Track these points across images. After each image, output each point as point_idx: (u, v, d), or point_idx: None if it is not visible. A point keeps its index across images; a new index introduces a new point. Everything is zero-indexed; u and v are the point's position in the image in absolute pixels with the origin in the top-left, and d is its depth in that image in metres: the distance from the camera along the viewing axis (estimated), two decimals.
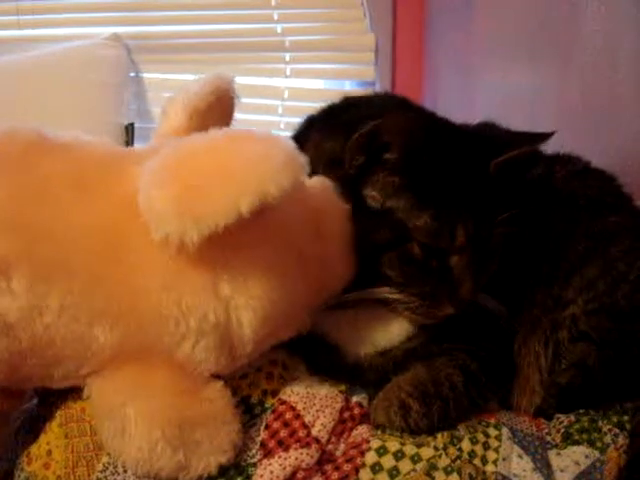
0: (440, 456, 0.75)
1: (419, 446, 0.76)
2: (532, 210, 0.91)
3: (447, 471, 0.73)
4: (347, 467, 0.73)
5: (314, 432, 0.77)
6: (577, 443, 0.79)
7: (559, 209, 0.95)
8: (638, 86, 1.08)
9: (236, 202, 0.63)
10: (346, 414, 0.80)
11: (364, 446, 0.76)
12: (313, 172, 0.83)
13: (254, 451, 0.75)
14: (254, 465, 0.74)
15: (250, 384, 0.81)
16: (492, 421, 0.82)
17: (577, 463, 0.77)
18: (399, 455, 0.75)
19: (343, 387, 0.84)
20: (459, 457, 0.75)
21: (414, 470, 0.73)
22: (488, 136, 0.91)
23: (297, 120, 1.01)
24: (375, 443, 0.76)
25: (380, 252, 0.84)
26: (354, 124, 0.83)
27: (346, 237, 0.83)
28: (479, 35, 2.04)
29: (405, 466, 0.74)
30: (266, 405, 0.80)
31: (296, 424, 0.77)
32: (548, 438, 0.81)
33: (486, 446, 0.77)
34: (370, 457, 0.74)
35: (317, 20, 2.75)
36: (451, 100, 2.34)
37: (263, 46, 2.74)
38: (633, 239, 0.92)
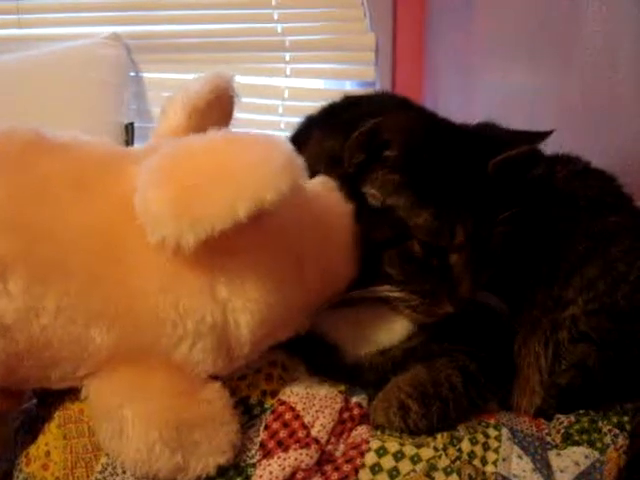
0: (440, 457, 0.75)
1: (419, 447, 0.76)
2: (532, 210, 0.90)
3: (447, 472, 0.73)
4: (347, 468, 0.73)
5: (314, 433, 0.77)
6: (577, 444, 0.79)
7: (559, 209, 0.95)
8: (638, 86, 1.08)
9: (233, 206, 0.63)
10: (346, 415, 0.80)
11: (364, 447, 0.76)
12: (314, 171, 0.83)
13: (253, 452, 0.75)
14: (253, 466, 0.74)
15: (249, 385, 0.81)
16: (492, 422, 0.81)
17: (577, 463, 0.76)
18: (399, 456, 0.74)
19: (343, 387, 0.83)
20: (459, 458, 0.75)
21: (414, 471, 0.73)
22: (487, 135, 0.90)
23: (297, 120, 1.01)
24: (375, 444, 0.76)
25: (380, 250, 0.84)
26: (354, 123, 0.83)
27: (350, 237, 0.83)
28: (479, 35, 2.04)
29: (405, 467, 0.73)
30: (265, 406, 0.80)
31: (295, 425, 0.77)
32: (548, 439, 0.81)
33: (486, 447, 0.77)
34: (370, 458, 0.74)
35: (317, 20, 2.76)
36: (451, 100, 2.34)
37: (263, 46, 2.74)
38: (633, 239, 0.92)
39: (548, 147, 0.94)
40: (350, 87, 2.78)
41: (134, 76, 2.69)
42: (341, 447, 0.77)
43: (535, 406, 0.89)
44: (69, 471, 0.74)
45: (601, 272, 0.89)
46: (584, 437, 0.80)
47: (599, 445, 0.79)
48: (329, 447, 0.77)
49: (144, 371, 0.73)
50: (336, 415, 0.79)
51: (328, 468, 0.74)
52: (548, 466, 0.76)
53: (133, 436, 0.69)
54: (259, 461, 0.74)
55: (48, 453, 0.75)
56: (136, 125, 2.49)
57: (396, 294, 0.85)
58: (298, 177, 0.68)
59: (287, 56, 2.74)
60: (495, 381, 0.88)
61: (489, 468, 0.75)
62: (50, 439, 0.76)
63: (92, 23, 2.74)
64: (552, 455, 0.78)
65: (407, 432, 0.78)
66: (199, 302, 0.71)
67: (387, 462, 0.74)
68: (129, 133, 2.44)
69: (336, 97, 1.00)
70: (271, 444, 0.76)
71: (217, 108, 0.89)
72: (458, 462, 0.74)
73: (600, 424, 0.82)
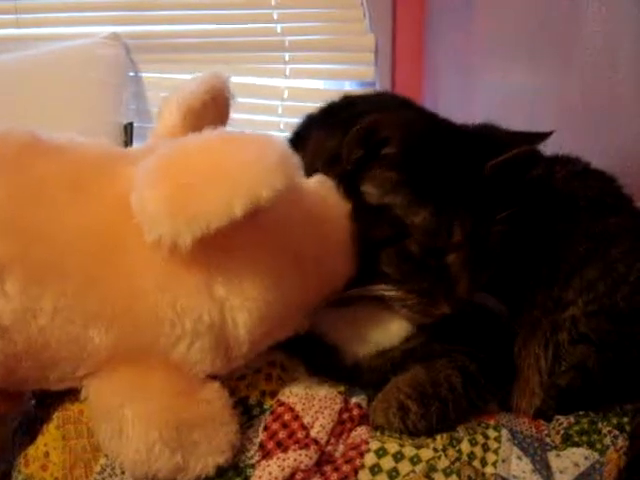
0: (439, 457, 0.75)
1: (418, 447, 0.76)
2: (532, 210, 0.90)
3: (446, 473, 0.73)
4: (346, 468, 0.73)
5: (313, 433, 0.77)
6: (577, 445, 0.79)
7: (559, 210, 0.95)
8: (638, 87, 1.08)
9: (229, 204, 0.63)
10: (345, 415, 0.80)
11: (363, 447, 0.75)
12: (313, 170, 0.83)
13: (253, 452, 0.75)
14: (252, 466, 0.74)
15: (248, 385, 0.81)
16: (491, 423, 0.81)
17: (576, 465, 0.76)
18: (398, 456, 0.74)
19: (342, 388, 0.83)
20: (458, 459, 0.75)
21: (413, 472, 0.73)
22: (487, 136, 0.90)
23: (296, 120, 1.01)
24: (374, 444, 0.76)
25: (378, 248, 0.83)
26: (353, 121, 0.83)
27: (347, 236, 0.83)
28: (479, 35, 2.04)
29: (404, 467, 0.73)
30: (265, 406, 0.80)
31: (295, 425, 0.77)
32: (548, 440, 0.81)
33: (485, 448, 0.77)
34: (369, 458, 0.74)
35: (317, 20, 2.76)
36: (451, 100, 2.34)
37: (263, 46, 2.74)
38: (633, 240, 0.92)
39: (548, 147, 0.93)
40: (350, 87, 2.78)
41: (133, 76, 2.69)
42: (340, 448, 0.77)
43: (535, 407, 0.89)
44: (68, 472, 0.74)
45: (601, 273, 0.89)
46: (584, 438, 0.80)
47: (599, 446, 0.79)
48: (328, 448, 0.77)
49: (143, 371, 0.72)
50: (335, 416, 0.79)
51: (327, 469, 0.74)
52: (548, 467, 0.76)
53: (133, 436, 0.69)
54: (258, 462, 0.74)
55: (47, 454, 0.75)
56: (135, 125, 2.49)
57: (393, 293, 0.85)
58: (293, 174, 0.68)
59: (286, 56, 2.74)
60: (495, 382, 0.88)
61: (489, 469, 0.75)
62: (49, 440, 0.76)
63: (91, 23, 2.74)
64: (552, 456, 0.78)
65: (406, 433, 0.78)
66: (197, 301, 0.71)
67: (387, 463, 0.74)
68: (128, 133, 2.44)
69: (336, 97, 1.00)
70: (270, 445, 0.76)
71: (213, 108, 0.89)
72: (458, 463, 0.74)
73: (600, 425, 0.81)
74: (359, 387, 0.86)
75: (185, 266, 0.70)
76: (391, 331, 0.89)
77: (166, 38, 2.76)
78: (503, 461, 0.76)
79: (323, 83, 2.86)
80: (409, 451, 0.75)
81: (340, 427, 0.79)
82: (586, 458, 0.77)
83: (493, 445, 0.77)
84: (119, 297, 0.70)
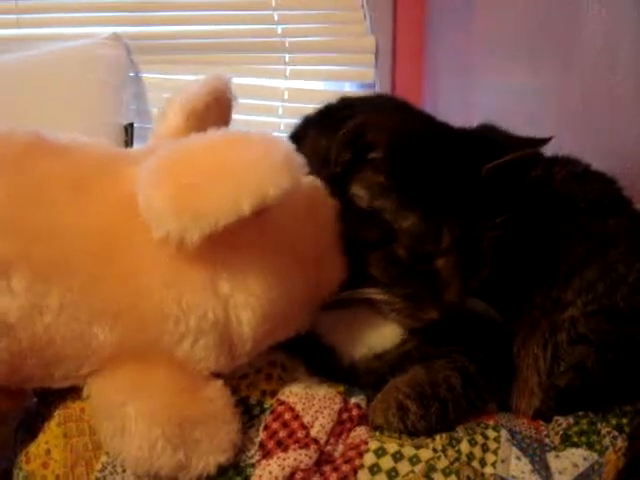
0: (439, 458, 0.75)
1: (418, 448, 0.76)
2: (530, 212, 0.90)
3: (446, 473, 0.73)
4: (346, 468, 0.73)
5: (313, 433, 0.77)
6: (576, 445, 0.79)
7: (558, 211, 0.95)
8: (638, 88, 1.08)
9: (236, 202, 0.64)
10: (345, 415, 0.80)
11: (362, 447, 0.75)
12: (310, 170, 0.84)
13: (253, 452, 0.75)
14: (253, 466, 0.74)
15: (249, 385, 0.81)
16: (491, 423, 0.81)
17: (576, 465, 0.76)
18: (398, 456, 0.74)
19: (342, 388, 0.83)
20: (458, 459, 0.75)
21: (412, 472, 0.73)
22: (485, 139, 0.90)
23: (295, 124, 1.01)
24: (374, 444, 0.76)
25: (367, 251, 0.84)
26: (347, 123, 0.83)
27: (337, 236, 0.83)
28: (479, 37, 2.05)
29: (404, 467, 0.73)
30: (265, 406, 0.80)
31: (295, 425, 0.77)
32: (547, 440, 0.81)
33: (485, 448, 0.77)
34: (369, 458, 0.74)
35: (317, 21, 2.76)
36: (451, 102, 2.34)
37: (263, 47, 2.74)
38: (632, 241, 0.92)
39: (548, 148, 0.93)
40: (350, 89, 2.78)
41: (134, 77, 2.69)
42: (340, 448, 0.77)
43: (534, 408, 0.89)
44: (69, 469, 0.74)
45: (600, 274, 0.89)
46: (583, 439, 0.80)
47: (598, 447, 0.79)
48: (328, 447, 0.77)
49: (146, 368, 0.73)
50: (335, 416, 0.79)
51: (327, 468, 0.74)
52: (547, 468, 0.76)
53: (135, 433, 0.69)
54: (258, 461, 0.74)
55: (48, 451, 0.75)
56: (135, 126, 2.49)
57: (381, 297, 0.85)
58: (298, 173, 0.69)
59: (287, 57, 2.74)
60: (494, 382, 0.88)
61: (488, 469, 0.75)
62: (50, 437, 0.76)
63: (92, 23, 2.74)
64: (551, 457, 0.78)
65: (406, 433, 0.78)
66: (201, 298, 0.71)
67: (386, 463, 0.74)
68: (128, 134, 2.44)
69: (333, 99, 1.00)
70: (270, 444, 0.76)
71: (215, 110, 0.90)
72: (457, 463, 0.74)
73: (599, 426, 0.82)
74: (357, 388, 0.86)
75: (191, 263, 0.71)
76: (386, 334, 0.89)
77: (167, 39, 2.76)
78: (502, 461, 0.76)
79: (323, 84, 2.86)
80: (408, 451, 0.75)
81: (340, 427, 0.79)
82: (585, 459, 0.77)
83: (492, 445, 0.77)
84: (124, 294, 0.70)
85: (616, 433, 0.80)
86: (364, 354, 0.89)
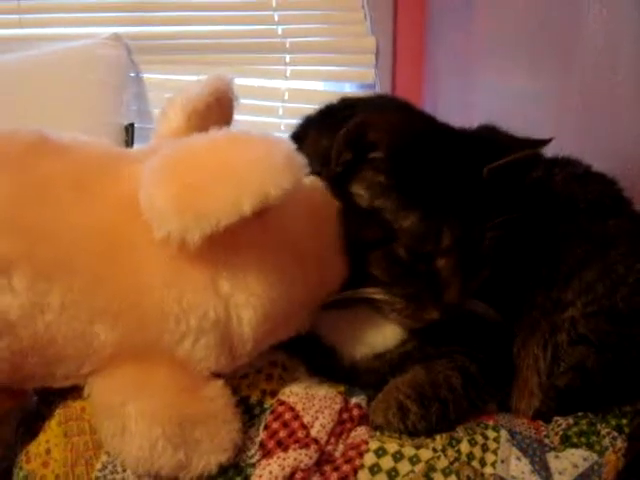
0: (439, 458, 0.75)
1: (418, 447, 0.76)
2: (531, 213, 0.90)
3: (445, 473, 0.73)
4: (346, 468, 0.73)
5: (313, 433, 0.77)
6: (575, 446, 0.79)
7: (558, 212, 0.95)
8: (638, 89, 1.08)
9: (238, 202, 0.64)
10: (345, 415, 0.80)
11: (363, 447, 0.76)
12: (311, 170, 0.84)
13: (253, 451, 0.75)
14: (253, 465, 0.74)
15: (249, 385, 0.81)
16: (491, 423, 0.82)
17: (575, 466, 0.76)
18: (398, 456, 0.75)
19: (342, 388, 0.84)
20: (457, 459, 0.75)
21: (413, 472, 0.73)
22: (486, 140, 0.90)
23: (295, 123, 1.02)
24: (374, 444, 0.76)
25: (368, 250, 0.84)
26: (347, 122, 0.83)
27: (339, 235, 0.83)
28: (479, 38, 2.05)
29: (404, 467, 0.74)
30: (265, 405, 0.80)
31: (295, 425, 0.77)
32: (547, 441, 0.81)
33: (485, 448, 0.77)
34: (369, 458, 0.74)
35: (317, 22, 2.76)
36: (451, 102, 2.34)
37: (263, 47, 2.74)
38: (632, 242, 0.92)
39: (548, 150, 0.94)
40: (350, 89, 2.79)
41: (134, 77, 2.69)
42: (340, 447, 0.77)
43: (534, 408, 0.89)
44: (69, 469, 0.74)
45: (600, 275, 0.89)
46: (582, 439, 0.80)
47: (597, 448, 0.79)
48: (328, 447, 0.77)
49: (147, 368, 0.73)
50: (335, 415, 0.80)
51: (327, 468, 0.74)
52: (546, 468, 0.76)
53: (136, 433, 0.69)
54: (259, 461, 0.74)
55: (48, 451, 0.75)
56: (136, 126, 2.49)
57: (382, 296, 0.85)
58: (300, 174, 0.69)
59: (287, 58, 2.74)
60: (494, 383, 0.88)
61: (488, 469, 0.75)
62: (51, 437, 0.76)
63: (93, 23, 2.74)
64: (550, 457, 0.78)
65: (406, 433, 0.78)
66: (202, 297, 0.72)
67: (386, 463, 0.74)
68: (129, 134, 2.44)
69: (334, 99, 1.00)
70: (271, 444, 0.76)
71: (217, 110, 0.90)
72: (457, 463, 0.75)
73: (599, 427, 0.82)
74: (358, 388, 0.86)
75: (192, 262, 0.71)
76: (386, 334, 0.89)
77: (167, 39, 2.76)
78: (502, 462, 0.76)
79: (324, 85, 2.86)
80: (408, 451, 0.75)
81: (340, 427, 0.79)
82: (585, 459, 0.77)
83: (492, 446, 0.78)
84: (125, 293, 0.71)
85: (616, 434, 0.80)
86: (365, 354, 0.89)
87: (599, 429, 0.81)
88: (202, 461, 0.71)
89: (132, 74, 2.67)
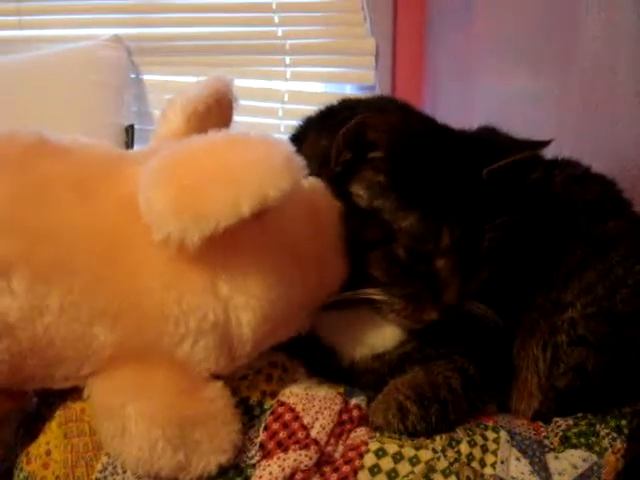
0: (439, 458, 0.75)
1: (418, 448, 0.76)
2: (531, 214, 0.91)
3: (445, 474, 0.73)
4: (346, 469, 0.73)
5: (313, 433, 0.77)
6: (575, 447, 0.79)
7: (558, 213, 0.95)
8: (638, 90, 1.08)
9: (237, 203, 0.64)
10: (345, 416, 0.80)
11: (363, 448, 0.76)
12: (310, 171, 0.84)
13: (253, 452, 0.75)
14: (253, 466, 0.74)
15: (249, 385, 0.81)
16: (490, 424, 0.82)
17: (575, 467, 0.76)
18: (397, 457, 0.74)
19: (342, 389, 0.84)
20: (457, 460, 0.75)
21: (412, 472, 0.73)
22: (486, 141, 0.91)
23: (295, 124, 1.02)
24: (374, 445, 0.76)
25: (367, 251, 0.84)
26: (347, 123, 0.84)
27: (339, 236, 0.84)
28: (479, 39, 2.05)
29: (403, 468, 0.73)
30: (265, 406, 0.80)
31: (295, 425, 0.77)
32: (546, 441, 0.81)
33: (484, 449, 0.77)
34: (369, 459, 0.74)
35: (317, 24, 2.77)
36: (451, 104, 2.34)
37: (264, 49, 2.75)
38: (632, 244, 0.92)
39: (548, 151, 0.94)
40: (350, 91, 2.79)
41: (135, 78, 2.70)
42: (340, 448, 0.77)
43: (533, 409, 0.89)
44: (69, 470, 0.74)
45: (600, 276, 0.89)
46: (582, 440, 0.80)
47: (597, 448, 0.79)
48: (328, 448, 0.77)
49: (146, 370, 0.73)
50: (335, 416, 0.80)
51: (327, 469, 0.74)
52: (546, 469, 0.76)
53: (136, 434, 0.69)
54: (259, 462, 0.74)
55: (49, 452, 0.75)
56: (136, 127, 2.49)
57: (381, 297, 0.85)
58: (298, 175, 0.69)
59: (287, 59, 2.74)
60: (494, 384, 0.88)
61: (487, 470, 0.75)
62: (51, 438, 0.76)
63: (93, 25, 2.75)
64: (550, 458, 0.78)
65: (406, 434, 0.78)
66: (201, 299, 0.72)
67: (386, 463, 0.74)
68: (129, 135, 2.44)
69: (335, 100, 1.00)
70: (271, 445, 0.76)
71: (216, 112, 0.90)
72: (457, 464, 0.75)
73: (598, 427, 0.82)
74: (357, 388, 0.86)
75: (191, 264, 0.71)
76: (386, 335, 0.89)
77: (167, 41, 2.76)
78: (502, 462, 0.76)
79: (323, 86, 2.87)
80: (408, 452, 0.75)
81: (340, 428, 0.79)
82: (584, 460, 0.77)
83: (492, 446, 0.78)
84: (125, 295, 0.71)
85: (615, 435, 0.80)
86: (364, 354, 0.89)
87: (598, 430, 0.81)
88: (202, 462, 0.71)
89: (132, 75, 2.67)
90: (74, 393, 0.76)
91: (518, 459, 0.77)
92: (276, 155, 0.68)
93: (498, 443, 0.78)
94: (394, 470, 0.73)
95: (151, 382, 0.73)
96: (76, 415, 0.76)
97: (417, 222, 0.82)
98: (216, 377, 0.76)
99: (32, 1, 2.77)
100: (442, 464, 0.74)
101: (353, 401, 0.83)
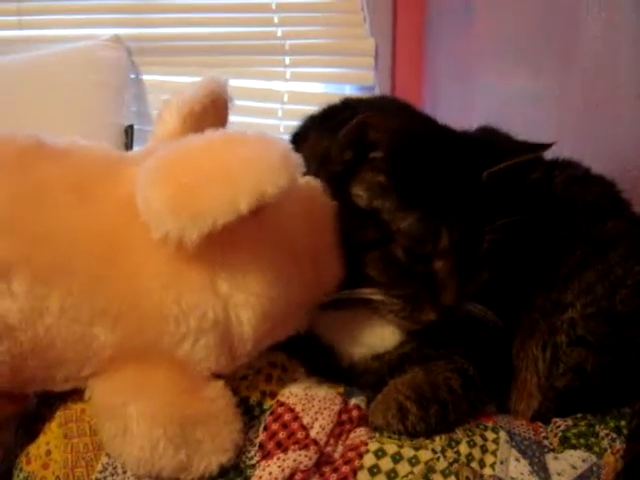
0: (438, 459, 0.75)
1: (417, 449, 0.76)
2: (531, 215, 0.91)
3: (445, 474, 0.73)
4: (345, 469, 0.73)
5: (312, 434, 0.77)
6: (574, 447, 0.80)
7: (558, 214, 0.95)
8: (638, 91, 1.08)
9: (234, 200, 0.64)
10: (344, 416, 0.80)
11: (362, 448, 0.76)
12: (307, 170, 0.84)
13: (253, 452, 0.75)
14: (253, 466, 0.74)
15: (249, 386, 0.81)
16: (490, 424, 0.82)
17: (574, 467, 0.77)
18: (397, 458, 0.74)
19: (341, 389, 0.84)
20: (457, 460, 0.75)
21: (412, 473, 0.73)
22: (486, 143, 0.91)
23: (296, 124, 1.02)
24: (373, 445, 0.76)
25: (365, 251, 0.84)
26: (348, 123, 0.84)
27: (335, 235, 0.84)
28: (479, 40, 2.05)
29: (403, 469, 0.73)
30: (265, 407, 0.80)
31: (295, 426, 0.77)
32: (545, 442, 0.81)
33: (484, 449, 0.77)
34: (368, 459, 0.74)
35: (317, 24, 2.77)
36: (451, 105, 2.34)
37: (263, 49, 2.74)
38: (631, 244, 0.92)
39: (548, 152, 0.94)
40: (349, 91, 2.79)
41: (134, 78, 2.69)
42: (340, 449, 0.77)
43: (533, 409, 0.89)
44: (69, 470, 0.74)
45: (599, 276, 0.90)
46: (581, 441, 0.80)
47: (596, 449, 0.79)
48: (328, 448, 0.77)
49: (147, 369, 0.73)
50: (335, 417, 0.80)
51: (327, 469, 0.74)
52: (545, 469, 0.76)
53: (137, 434, 0.69)
54: (258, 462, 0.74)
55: (49, 452, 0.75)
56: (136, 127, 2.49)
57: (379, 297, 0.85)
58: (295, 172, 0.69)
59: (287, 60, 2.74)
60: (493, 384, 0.88)
61: (487, 471, 0.75)
62: (51, 438, 0.76)
63: (93, 25, 2.74)
64: (549, 458, 0.78)
65: (405, 434, 0.78)
66: (201, 298, 0.72)
67: (385, 464, 0.74)
68: (129, 135, 2.43)
69: (337, 100, 1.01)
70: (270, 445, 0.76)
71: (212, 112, 0.90)
72: (456, 464, 0.75)
73: (597, 428, 0.82)
74: (357, 388, 0.86)
75: (190, 264, 0.71)
76: (385, 334, 0.89)
77: (167, 41, 2.76)
78: (501, 463, 0.76)
79: (323, 87, 2.86)
80: (408, 452, 0.75)
81: (339, 428, 0.79)
82: (584, 461, 0.77)
83: (491, 447, 0.78)
84: (124, 295, 0.71)
85: (614, 435, 0.80)
86: (363, 354, 0.89)
87: (598, 430, 0.81)
88: (203, 462, 0.71)
89: (132, 76, 2.67)
90: (74, 394, 0.76)
91: (517, 459, 0.77)
92: (273, 152, 0.68)
93: (497, 443, 0.78)
94: (393, 470, 0.73)
95: (152, 382, 0.73)
96: (76, 415, 0.76)
97: (416, 223, 0.82)
98: (217, 377, 0.77)
99: (32, 1, 2.77)
100: (441, 464, 0.74)
101: (352, 401, 0.83)
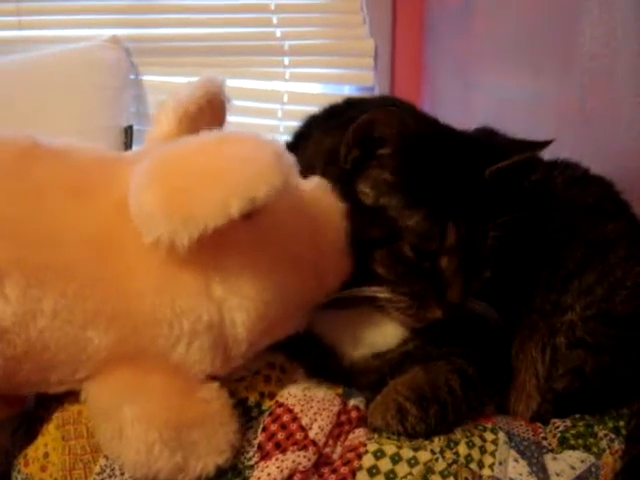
0: (437, 460, 0.75)
1: (416, 449, 0.76)
2: (531, 215, 0.91)
3: (444, 475, 0.73)
4: (344, 470, 0.73)
5: (311, 435, 0.77)
6: (573, 448, 0.79)
7: (557, 215, 0.95)
8: (637, 92, 1.08)
9: (226, 203, 0.63)
10: (343, 417, 0.80)
11: (361, 449, 0.75)
12: (312, 170, 0.84)
13: (251, 453, 0.75)
14: (251, 467, 0.74)
15: (247, 387, 0.81)
16: (489, 425, 0.82)
17: (573, 468, 0.77)
18: (396, 458, 0.74)
19: (340, 390, 0.84)
20: (456, 461, 0.75)
21: (411, 474, 0.73)
22: (487, 142, 0.91)
23: (296, 124, 1.02)
24: (372, 446, 0.76)
25: (372, 249, 0.84)
26: (353, 122, 0.84)
27: (343, 236, 0.83)
28: (478, 41, 2.05)
29: (402, 469, 0.73)
30: (263, 407, 0.80)
31: (293, 427, 0.77)
32: (544, 443, 0.81)
33: (483, 450, 0.77)
34: (367, 460, 0.74)
35: (316, 24, 2.77)
36: (450, 105, 2.34)
37: (262, 50, 2.74)
38: (631, 246, 0.92)
39: (547, 153, 0.94)
40: (349, 92, 2.79)
41: (134, 79, 2.69)
42: (338, 449, 0.77)
43: (531, 410, 0.90)
44: (67, 472, 0.74)
45: (599, 278, 0.90)
46: (580, 441, 0.80)
47: (595, 450, 0.79)
48: (327, 449, 0.77)
49: (142, 372, 0.73)
50: (334, 417, 0.79)
51: (325, 470, 0.74)
52: (544, 470, 0.76)
53: (133, 437, 0.69)
54: (257, 463, 0.74)
55: (46, 454, 0.75)
56: (135, 128, 2.49)
57: (385, 295, 0.85)
58: (288, 173, 0.69)
59: (286, 60, 2.74)
60: (492, 385, 0.88)
61: (486, 471, 0.75)
62: (49, 440, 0.76)
63: (92, 25, 2.74)
64: (548, 459, 0.78)
65: (405, 435, 0.78)
66: (195, 301, 0.71)
67: (384, 465, 0.74)
68: (128, 136, 2.43)
69: (338, 99, 1.00)
70: (269, 446, 0.76)
71: (209, 113, 0.89)
72: (455, 465, 0.74)
73: (596, 429, 0.82)
74: (357, 388, 0.86)
75: (183, 267, 0.71)
76: (387, 333, 0.89)
77: (167, 41, 2.76)
78: (500, 464, 0.76)
79: (323, 87, 2.86)
80: (407, 453, 0.75)
81: (338, 429, 0.79)
82: (582, 461, 0.77)
83: (490, 448, 0.78)
84: (118, 298, 0.70)
85: (613, 436, 0.80)
86: (364, 354, 0.89)
87: (596, 431, 0.81)
88: (200, 463, 0.71)
89: (131, 76, 2.67)
90: (71, 395, 0.76)
91: (516, 460, 0.77)
92: (265, 153, 0.67)
93: (496, 444, 0.78)
94: (392, 471, 0.73)
95: (147, 384, 0.73)
96: (74, 417, 0.76)
97: (423, 220, 0.82)
98: (213, 378, 0.76)
99: (32, 1, 2.77)
100: (440, 465, 0.74)
101: (352, 402, 0.83)
